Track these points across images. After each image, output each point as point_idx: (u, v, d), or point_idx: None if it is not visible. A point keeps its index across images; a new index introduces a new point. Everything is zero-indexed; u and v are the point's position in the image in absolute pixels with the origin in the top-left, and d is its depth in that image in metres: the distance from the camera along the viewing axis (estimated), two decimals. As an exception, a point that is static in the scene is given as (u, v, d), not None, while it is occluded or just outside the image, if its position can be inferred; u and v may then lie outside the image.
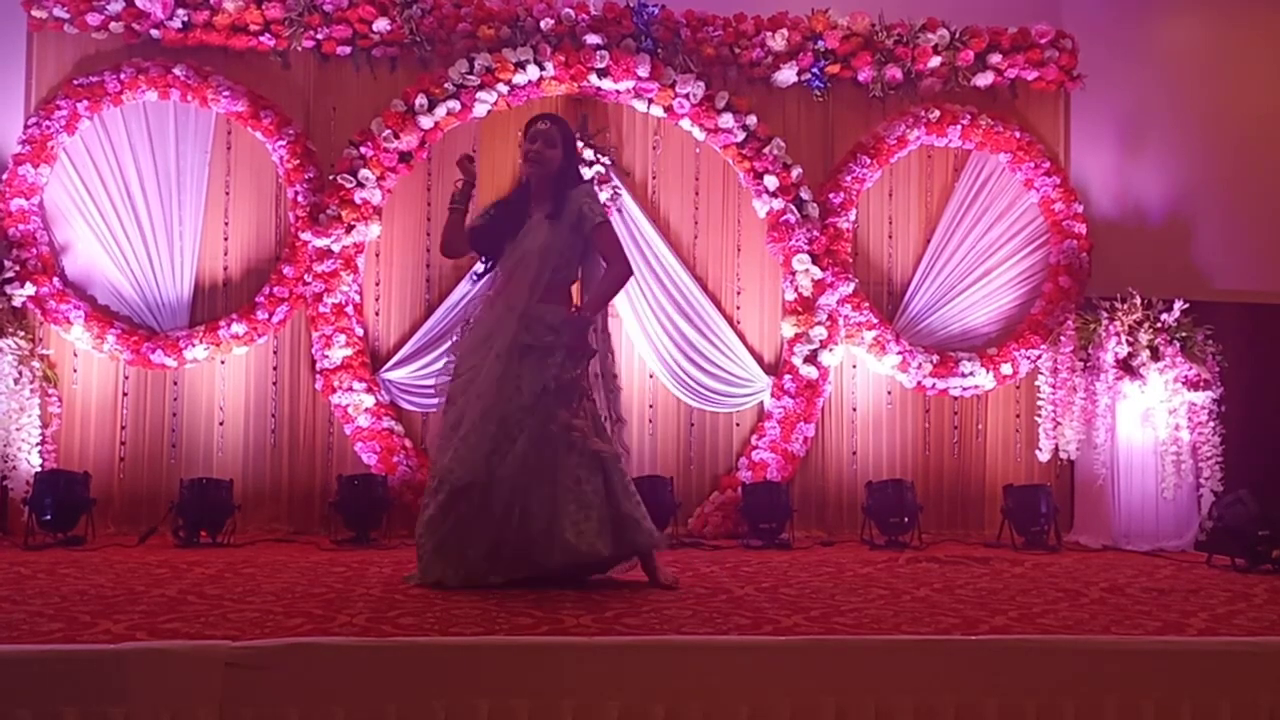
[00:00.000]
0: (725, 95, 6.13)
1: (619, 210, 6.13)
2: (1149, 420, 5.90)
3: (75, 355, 5.84)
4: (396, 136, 5.92)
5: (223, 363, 5.95)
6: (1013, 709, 2.76)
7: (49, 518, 5.25)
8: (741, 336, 6.30)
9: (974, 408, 6.48)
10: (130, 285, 5.89)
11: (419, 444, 6.00)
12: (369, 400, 5.86)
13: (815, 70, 6.30)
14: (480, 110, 6.05)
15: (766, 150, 6.18)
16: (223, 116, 5.98)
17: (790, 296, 6.23)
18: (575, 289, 4.19)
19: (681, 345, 6.19)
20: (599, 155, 6.11)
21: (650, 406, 6.22)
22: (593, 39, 6.01)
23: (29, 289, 5.63)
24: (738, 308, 6.35)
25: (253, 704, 2.58)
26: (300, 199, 5.92)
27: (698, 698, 2.69)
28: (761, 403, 6.26)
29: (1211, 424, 5.87)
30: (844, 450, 6.36)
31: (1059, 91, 6.61)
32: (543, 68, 5.97)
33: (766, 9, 6.29)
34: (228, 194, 6.03)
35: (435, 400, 5.90)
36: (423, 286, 6.15)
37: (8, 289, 5.59)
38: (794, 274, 6.19)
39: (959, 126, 6.34)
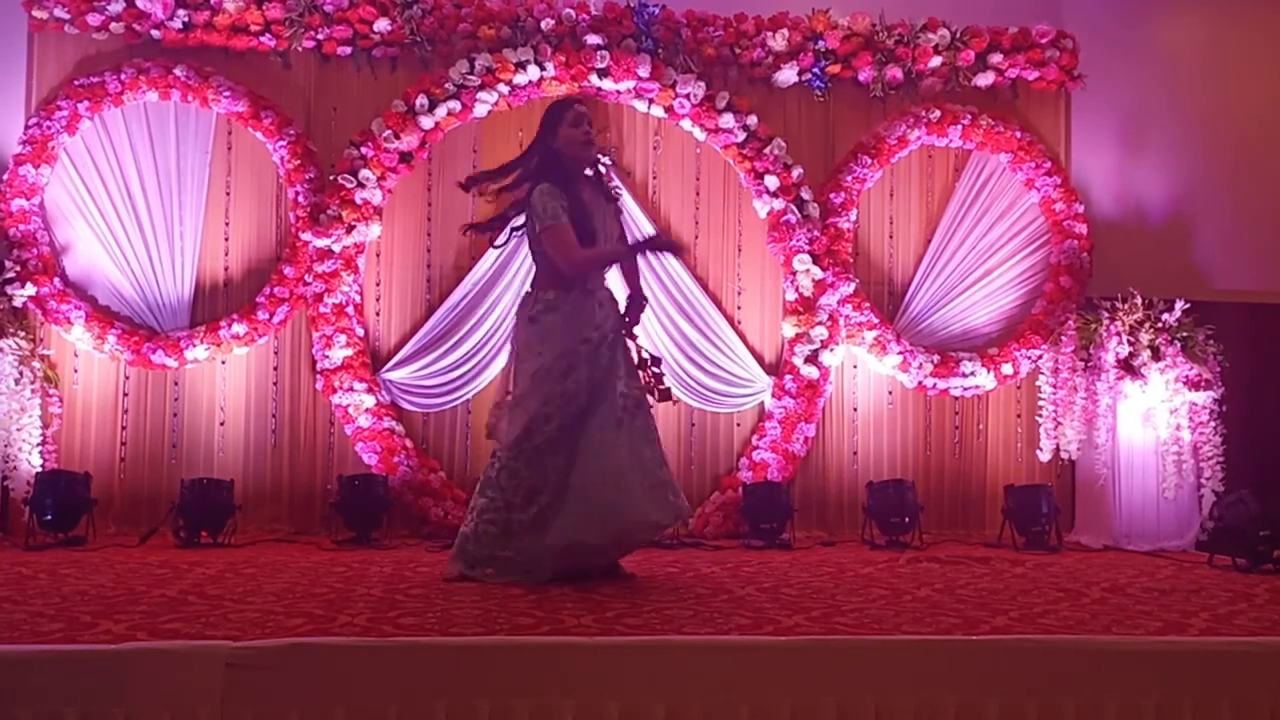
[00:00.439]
0: (726, 95, 6.13)
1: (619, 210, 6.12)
2: (1150, 420, 5.90)
3: (76, 355, 5.85)
4: (397, 137, 5.92)
5: (223, 363, 5.95)
6: (1014, 709, 2.76)
7: (50, 518, 5.25)
8: (742, 336, 6.30)
9: (975, 408, 6.47)
10: (131, 285, 5.89)
11: (419, 444, 6.00)
12: (369, 400, 5.87)
13: (816, 70, 6.30)
14: (481, 110, 6.05)
15: (767, 150, 6.18)
16: (223, 117, 5.99)
17: (791, 296, 6.23)
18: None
19: (682, 345, 6.19)
20: (599, 155, 6.09)
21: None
22: (593, 39, 6.01)
23: (30, 289, 5.64)
24: (738, 308, 6.35)
25: (253, 704, 2.58)
26: (301, 199, 5.93)
27: (698, 698, 2.69)
28: (762, 403, 6.26)
29: (1212, 424, 5.87)
30: (845, 450, 6.36)
31: (1060, 91, 6.61)
32: (543, 68, 5.97)
33: (767, 9, 6.29)
34: (228, 194, 6.03)
35: (444, 398, 5.94)
36: (423, 287, 6.15)
37: (8, 289, 5.59)
38: (795, 274, 6.19)
39: (960, 126, 6.34)
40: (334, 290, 5.88)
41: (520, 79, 5.98)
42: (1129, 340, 5.93)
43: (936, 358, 6.27)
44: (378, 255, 6.13)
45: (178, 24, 5.86)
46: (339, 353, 5.87)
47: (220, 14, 5.86)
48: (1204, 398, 5.87)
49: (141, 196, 5.90)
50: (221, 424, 5.96)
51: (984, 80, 6.43)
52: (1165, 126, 6.66)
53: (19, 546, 5.09)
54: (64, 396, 5.77)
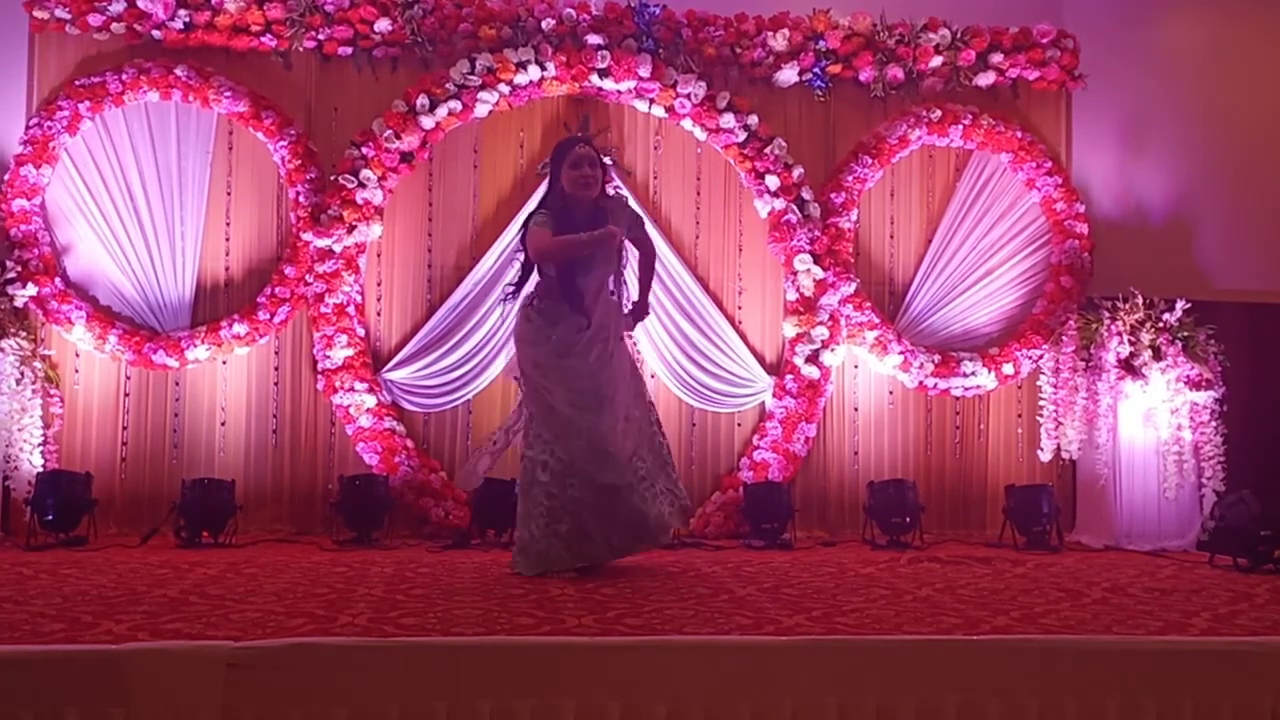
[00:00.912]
0: (726, 95, 6.13)
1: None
2: (1151, 420, 5.90)
3: (77, 356, 5.85)
4: (398, 137, 5.92)
5: (224, 363, 5.95)
6: (1015, 709, 2.76)
7: (51, 518, 5.26)
8: (743, 336, 6.30)
9: (976, 408, 6.47)
10: (132, 286, 5.89)
11: (420, 444, 6.00)
12: (370, 400, 5.87)
13: (817, 70, 6.30)
14: (481, 110, 6.05)
15: (768, 150, 6.18)
16: (224, 117, 5.99)
17: (792, 296, 6.23)
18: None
19: (683, 345, 6.19)
20: (600, 156, 6.09)
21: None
22: (594, 39, 6.01)
23: (31, 289, 5.64)
24: (739, 308, 6.35)
25: (255, 704, 2.59)
26: (302, 199, 5.93)
27: (699, 698, 2.69)
28: (763, 403, 6.26)
29: (1213, 424, 5.87)
30: (846, 450, 6.36)
31: (1060, 91, 6.60)
32: (544, 68, 5.97)
33: (768, 9, 6.29)
34: (229, 194, 6.03)
35: (445, 398, 5.94)
36: (424, 287, 6.15)
37: (9, 289, 5.60)
38: (795, 274, 6.19)
39: (960, 126, 6.34)
40: (335, 290, 5.88)
41: (521, 79, 5.98)
42: (1130, 340, 5.93)
43: (937, 358, 6.27)
44: (379, 255, 6.13)
45: (179, 24, 5.86)
46: (340, 353, 5.87)
47: (221, 14, 5.86)
48: (1205, 397, 5.86)
49: (143, 197, 5.90)
50: (222, 424, 5.96)
51: (985, 80, 6.43)
52: (1166, 126, 6.65)
53: (20, 547, 5.09)
54: (65, 397, 5.77)
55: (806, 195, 6.21)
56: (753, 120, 6.16)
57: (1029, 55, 6.41)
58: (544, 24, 6.02)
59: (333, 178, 5.93)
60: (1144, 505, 5.90)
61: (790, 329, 6.21)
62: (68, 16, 5.81)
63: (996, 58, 6.38)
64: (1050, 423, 6.19)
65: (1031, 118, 6.55)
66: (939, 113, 6.33)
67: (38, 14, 5.82)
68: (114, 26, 5.86)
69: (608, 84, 6.07)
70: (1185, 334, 5.94)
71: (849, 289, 6.22)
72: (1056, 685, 2.80)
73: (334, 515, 5.55)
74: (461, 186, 6.19)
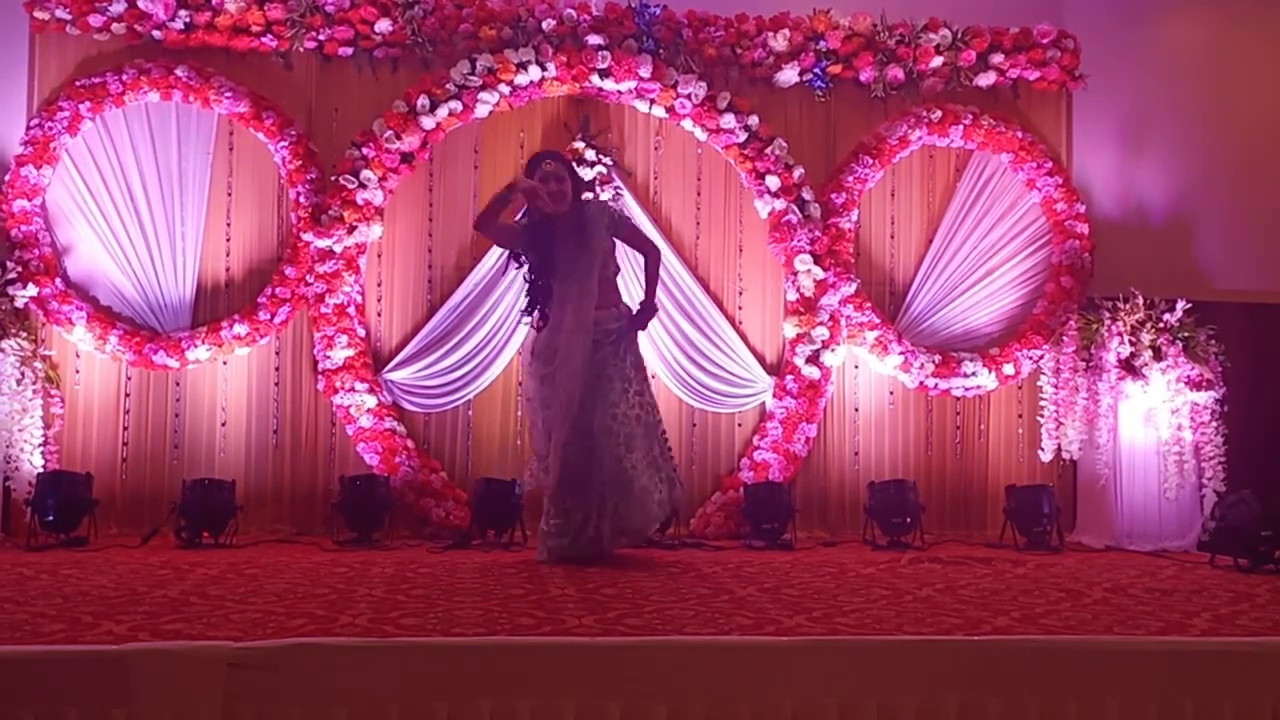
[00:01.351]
0: (727, 96, 6.13)
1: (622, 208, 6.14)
2: (1151, 420, 5.90)
3: (78, 356, 5.85)
4: (398, 137, 5.92)
5: (225, 363, 5.96)
6: (1015, 709, 2.76)
7: (51, 519, 5.26)
8: (743, 337, 6.30)
9: (976, 408, 6.47)
10: (132, 286, 5.89)
11: (421, 444, 6.00)
12: (371, 401, 5.87)
13: (817, 70, 6.30)
14: (482, 111, 6.05)
15: (768, 150, 6.18)
16: (225, 117, 5.99)
17: (792, 297, 6.23)
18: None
19: (683, 346, 6.19)
20: (600, 156, 6.11)
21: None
22: (594, 39, 6.01)
23: (31, 290, 5.64)
24: (740, 308, 6.35)
25: (255, 705, 2.59)
26: (302, 200, 5.93)
27: (700, 698, 2.69)
28: (763, 403, 6.26)
29: (1214, 424, 5.87)
30: (846, 450, 6.36)
31: (1061, 91, 6.60)
32: (544, 68, 5.97)
33: (768, 9, 6.29)
34: (230, 195, 6.04)
35: (445, 399, 5.95)
36: (424, 287, 6.15)
37: (10, 290, 5.60)
38: (796, 274, 6.19)
39: (961, 126, 6.34)
40: (335, 291, 5.88)
41: (521, 79, 5.98)
42: (1130, 340, 5.93)
43: (938, 358, 6.27)
44: (379, 256, 6.13)
45: (179, 25, 5.86)
46: (340, 353, 5.87)
47: (222, 15, 5.86)
48: (1205, 398, 5.86)
49: (143, 197, 5.90)
50: (223, 424, 5.96)
51: (985, 80, 6.43)
52: (1166, 126, 6.65)
53: (21, 547, 5.09)
54: (65, 397, 5.77)
55: (807, 195, 6.21)
56: (753, 121, 6.16)
57: (1029, 55, 6.41)
58: (544, 24, 6.02)
59: (333, 178, 5.93)
60: (1145, 505, 5.90)
61: (791, 329, 6.21)
62: (68, 17, 5.81)
63: (997, 58, 6.38)
64: (1051, 423, 6.18)
65: (1032, 118, 6.55)
66: (939, 113, 6.33)
67: (38, 14, 5.83)
68: (114, 27, 5.86)
69: (608, 84, 6.07)
70: (1186, 334, 5.94)
71: (849, 289, 6.22)
72: (1057, 686, 2.80)
73: (334, 516, 5.55)
74: (462, 187, 6.19)
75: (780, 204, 6.19)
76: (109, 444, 5.85)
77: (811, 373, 6.17)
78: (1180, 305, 5.96)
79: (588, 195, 5.87)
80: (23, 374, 5.48)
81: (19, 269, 5.65)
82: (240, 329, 5.83)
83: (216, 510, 5.38)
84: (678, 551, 5.23)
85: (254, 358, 5.99)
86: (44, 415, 5.59)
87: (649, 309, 4.77)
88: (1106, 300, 6.12)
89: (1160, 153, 6.65)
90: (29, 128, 5.76)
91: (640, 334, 4.83)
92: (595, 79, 6.03)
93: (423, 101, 5.91)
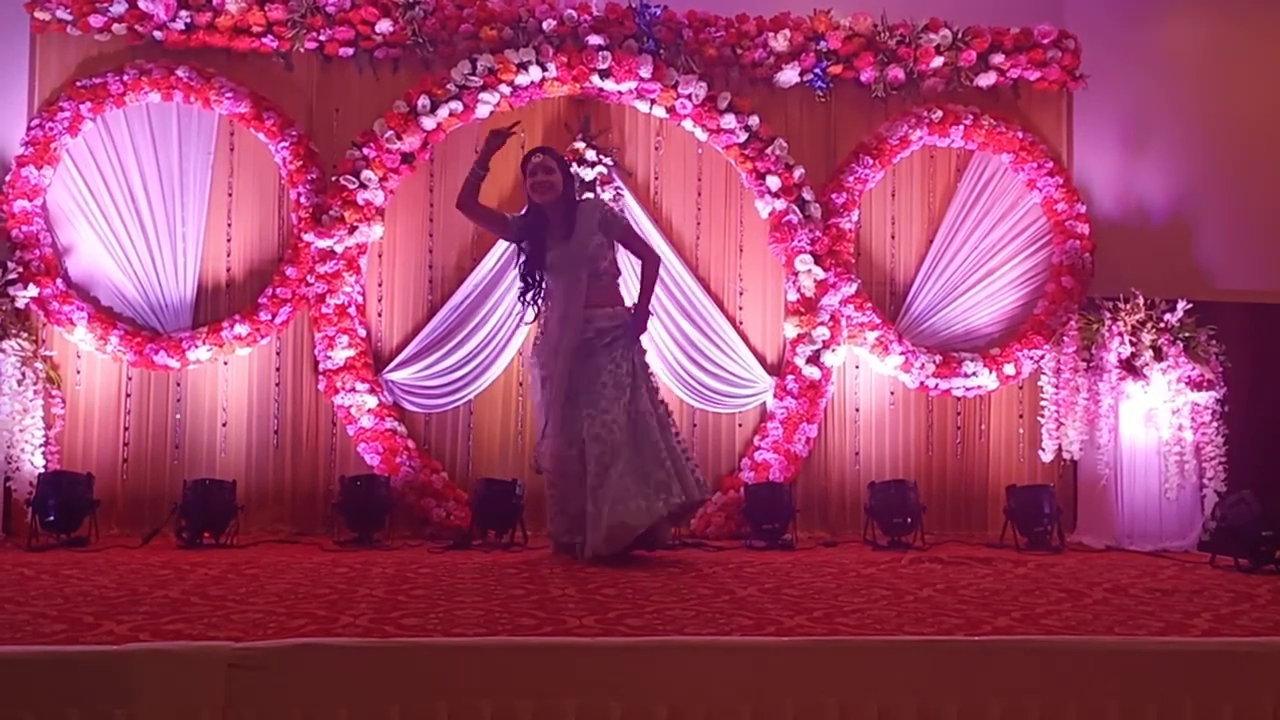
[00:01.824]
0: (727, 96, 6.13)
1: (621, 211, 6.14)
2: (1152, 420, 5.90)
3: (78, 356, 5.85)
4: (399, 137, 5.93)
5: (225, 364, 5.96)
6: (1016, 710, 2.76)
7: (52, 519, 5.26)
8: (744, 337, 6.30)
9: (977, 408, 6.47)
10: (133, 286, 5.89)
11: (421, 445, 6.01)
12: (372, 401, 5.87)
13: (817, 71, 6.30)
14: (483, 111, 6.05)
15: (769, 151, 6.18)
16: (225, 118, 5.99)
17: (793, 297, 6.23)
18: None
19: (684, 346, 6.19)
20: (601, 156, 6.11)
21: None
22: (595, 40, 6.01)
23: (32, 290, 5.64)
24: (740, 308, 6.35)
25: (256, 705, 2.59)
26: (303, 200, 5.93)
27: (701, 698, 2.69)
28: (764, 403, 6.26)
29: (1215, 424, 5.87)
30: (847, 451, 6.36)
31: (1061, 92, 6.60)
32: (545, 69, 5.97)
33: (769, 10, 6.29)
34: (230, 195, 6.04)
35: (446, 399, 5.96)
36: (425, 288, 6.15)
37: (11, 290, 5.60)
38: (796, 274, 6.19)
39: (961, 127, 6.34)
40: (336, 291, 5.88)
41: (522, 80, 5.98)
42: (1131, 340, 5.93)
43: (938, 358, 6.27)
44: (380, 256, 6.13)
45: (180, 25, 5.86)
46: (341, 353, 5.87)
47: (222, 15, 5.86)
48: (1206, 398, 5.86)
49: (144, 198, 5.91)
50: (224, 425, 5.96)
51: (986, 80, 6.43)
52: (1167, 127, 6.65)
53: (21, 547, 5.10)
54: (66, 397, 5.77)
55: (807, 196, 6.21)
56: (754, 121, 6.16)
57: (1030, 56, 6.41)
58: (545, 25, 6.02)
59: (334, 178, 5.93)
60: (1145, 506, 5.90)
61: (791, 329, 6.22)
62: (69, 17, 5.82)
63: (997, 58, 6.38)
64: (1051, 423, 6.18)
65: (1032, 118, 6.55)
66: (940, 113, 6.33)
67: (39, 15, 5.83)
68: (115, 27, 5.86)
69: (609, 85, 6.07)
70: (1186, 334, 5.94)
71: (850, 289, 6.22)
72: (1058, 686, 2.80)
73: (335, 516, 5.56)
74: (462, 187, 6.19)
75: (781, 204, 6.19)
76: (110, 444, 5.86)
77: (812, 373, 6.17)
78: (1181, 305, 5.96)
79: (588, 195, 5.90)
80: (24, 374, 5.48)
81: (20, 269, 5.65)
82: (241, 329, 5.83)
83: (217, 510, 5.38)
84: (678, 551, 5.23)
85: (255, 358, 5.99)
86: (45, 416, 5.60)
87: (643, 314, 4.83)
88: (1107, 300, 6.12)
89: (1161, 153, 6.64)
90: (30, 128, 5.77)
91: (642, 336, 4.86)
92: (596, 79, 6.03)
93: (423, 102, 5.91)
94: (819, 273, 6.17)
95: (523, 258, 4.85)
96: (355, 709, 2.60)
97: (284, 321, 5.95)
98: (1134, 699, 2.80)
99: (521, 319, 5.05)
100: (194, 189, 5.97)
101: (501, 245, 6.00)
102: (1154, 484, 5.89)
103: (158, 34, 5.89)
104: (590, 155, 6.07)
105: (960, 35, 6.36)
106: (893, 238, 6.51)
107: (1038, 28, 6.40)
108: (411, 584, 3.98)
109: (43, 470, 5.48)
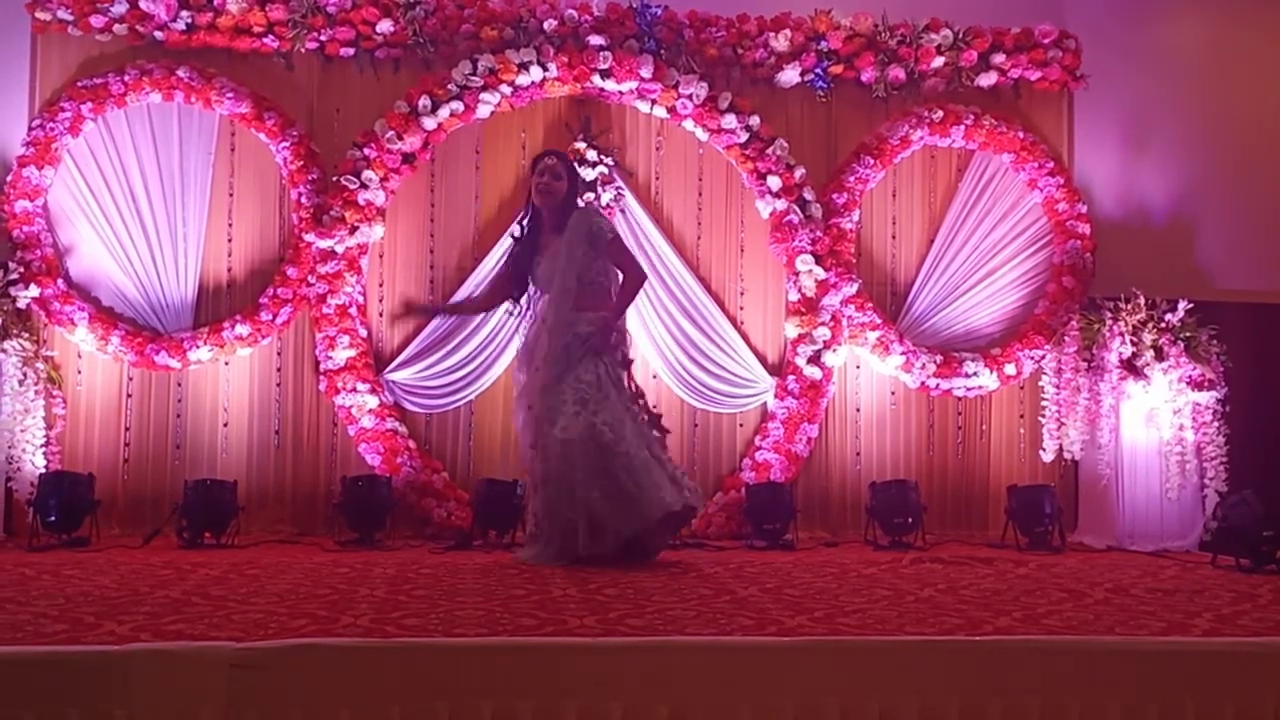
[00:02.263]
0: (728, 96, 6.13)
1: (622, 211, 6.14)
2: (1153, 420, 5.89)
3: (79, 357, 5.86)
4: (400, 138, 5.93)
5: (226, 364, 5.96)
6: (1017, 710, 2.76)
7: (53, 519, 5.26)
8: (745, 337, 6.30)
9: (978, 408, 6.47)
10: (134, 287, 5.90)
11: (422, 445, 6.01)
12: (373, 401, 5.87)
13: (818, 71, 6.30)
14: (483, 111, 6.05)
15: (770, 151, 6.18)
16: (226, 118, 5.99)
17: (794, 297, 6.23)
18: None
19: (685, 346, 6.19)
20: (602, 156, 6.11)
21: (654, 407, 6.20)
22: (596, 40, 6.01)
23: (33, 291, 5.65)
24: (741, 308, 6.35)
25: (257, 705, 2.59)
26: (304, 200, 5.93)
27: (701, 699, 2.69)
28: (765, 403, 6.26)
29: (1216, 424, 5.87)
30: (848, 451, 6.36)
31: (1062, 92, 6.60)
32: (546, 69, 5.97)
33: (769, 10, 6.29)
34: (231, 195, 6.04)
35: (447, 399, 5.97)
36: (426, 288, 6.15)
37: (12, 291, 5.60)
38: (797, 274, 6.19)
39: (962, 127, 6.34)
40: (337, 291, 5.88)
41: (523, 80, 5.98)
42: (1132, 340, 5.93)
43: (939, 358, 6.27)
44: (381, 256, 6.13)
45: (181, 25, 5.86)
46: (342, 354, 5.87)
47: (223, 15, 5.86)
48: (1207, 398, 5.86)
49: (145, 198, 5.91)
50: (225, 425, 5.96)
51: (986, 80, 6.43)
52: (1168, 126, 6.65)
53: (23, 548, 5.10)
54: (67, 398, 5.78)
55: (808, 196, 6.21)
56: (754, 121, 6.16)
57: (1031, 56, 6.41)
58: (546, 25, 6.02)
59: (335, 179, 5.93)
60: (1146, 506, 5.90)
61: (792, 329, 6.21)
62: (70, 18, 5.82)
63: (998, 58, 6.38)
64: (1052, 423, 6.18)
65: (1033, 118, 6.55)
66: (941, 113, 6.33)
67: (40, 15, 5.83)
68: (116, 28, 5.87)
69: (609, 85, 6.07)
70: (1187, 334, 5.94)
71: (851, 289, 6.22)
72: (1059, 686, 2.80)
73: (336, 516, 5.56)
74: (463, 187, 6.19)
75: (782, 204, 6.19)
76: (111, 444, 5.86)
77: (813, 373, 6.17)
78: (1182, 305, 5.96)
79: (589, 196, 5.91)
80: (25, 375, 5.49)
81: (21, 270, 5.65)
82: (242, 329, 5.83)
83: (218, 511, 5.38)
84: (679, 552, 5.23)
85: (256, 358, 6.00)
86: (46, 416, 5.60)
87: (607, 328, 4.67)
88: (1108, 300, 6.12)
89: (1162, 152, 6.64)
90: (31, 128, 5.77)
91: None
92: (597, 79, 6.03)
93: (424, 102, 5.92)
94: (820, 273, 6.17)
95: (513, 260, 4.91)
96: (356, 709, 2.60)
97: (285, 322, 5.95)
98: (1135, 699, 2.80)
99: (522, 320, 4.99)
100: (195, 189, 5.97)
101: (502, 246, 5.99)
102: (1155, 484, 5.89)
103: (159, 34, 5.89)
104: (591, 155, 6.07)
105: (961, 35, 6.36)
106: (894, 238, 6.51)
107: (1038, 28, 6.40)
108: (412, 584, 3.98)
109: (44, 470, 5.49)
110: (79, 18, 5.82)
